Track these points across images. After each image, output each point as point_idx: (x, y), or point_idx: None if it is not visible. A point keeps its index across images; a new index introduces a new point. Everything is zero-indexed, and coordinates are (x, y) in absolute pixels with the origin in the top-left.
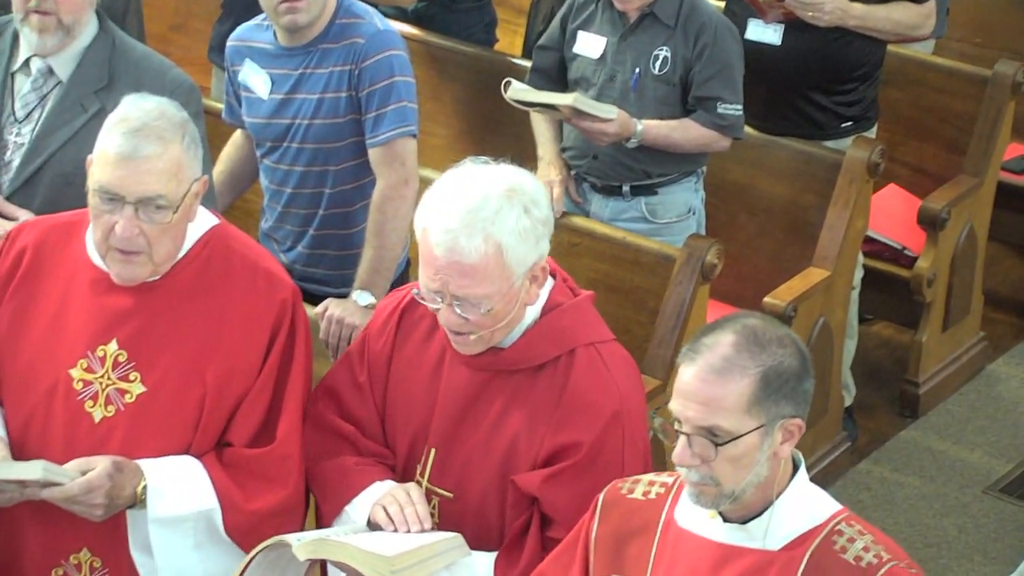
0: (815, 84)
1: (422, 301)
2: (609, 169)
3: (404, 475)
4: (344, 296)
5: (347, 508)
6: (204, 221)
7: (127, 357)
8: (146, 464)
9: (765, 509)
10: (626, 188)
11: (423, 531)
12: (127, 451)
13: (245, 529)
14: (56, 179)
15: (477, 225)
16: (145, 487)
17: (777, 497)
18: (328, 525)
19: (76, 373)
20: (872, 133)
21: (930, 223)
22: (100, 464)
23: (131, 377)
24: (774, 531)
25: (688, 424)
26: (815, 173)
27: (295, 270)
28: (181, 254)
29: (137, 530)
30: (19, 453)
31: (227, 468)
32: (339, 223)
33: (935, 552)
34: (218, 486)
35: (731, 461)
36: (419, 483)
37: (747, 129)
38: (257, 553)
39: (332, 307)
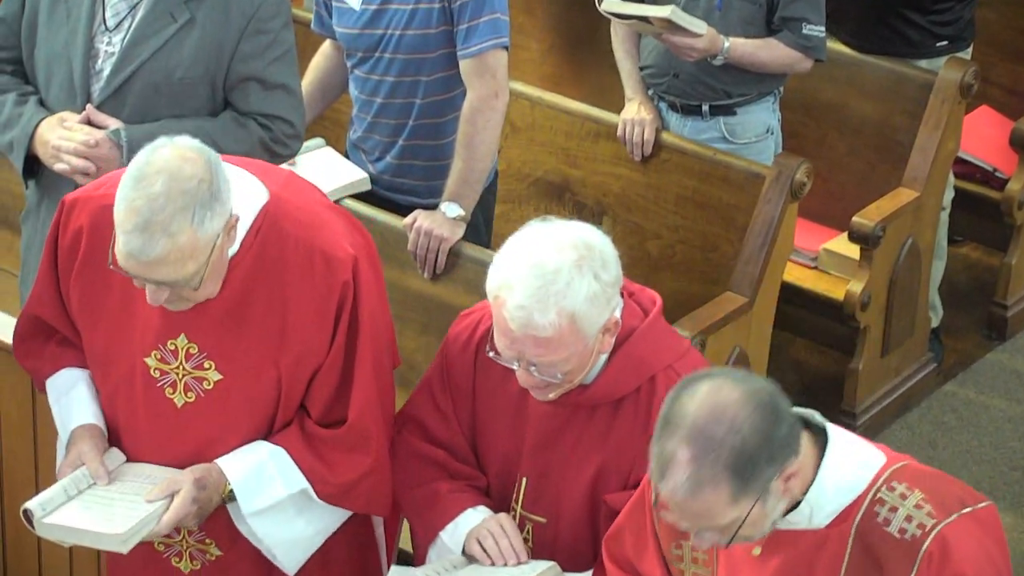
0: (911, 2)
1: (498, 360)
2: (689, 88)
3: (498, 499)
4: (432, 207)
5: (441, 534)
6: (254, 201)
7: (198, 349)
8: (227, 465)
9: (802, 500)
10: (705, 108)
11: (519, 563)
12: (212, 433)
13: (339, 496)
14: (146, 88)
15: (550, 300)
16: (231, 490)
17: (803, 494)
18: (423, 550)
19: (151, 362)
20: (967, 54)
21: (1022, 145)
22: (183, 488)
23: (205, 366)
24: (816, 513)
25: (690, 527)
26: (907, 93)
27: (383, 180)
28: (234, 250)
29: (236, 516)
30: (108, 430)
31: (309, 445)
32: (429, 134)
33: (1020, 475)
34: (303, 466)
35: (747, 528)
36: (513, 510)
37: (840, 47)
38: None
39: (420, 219)
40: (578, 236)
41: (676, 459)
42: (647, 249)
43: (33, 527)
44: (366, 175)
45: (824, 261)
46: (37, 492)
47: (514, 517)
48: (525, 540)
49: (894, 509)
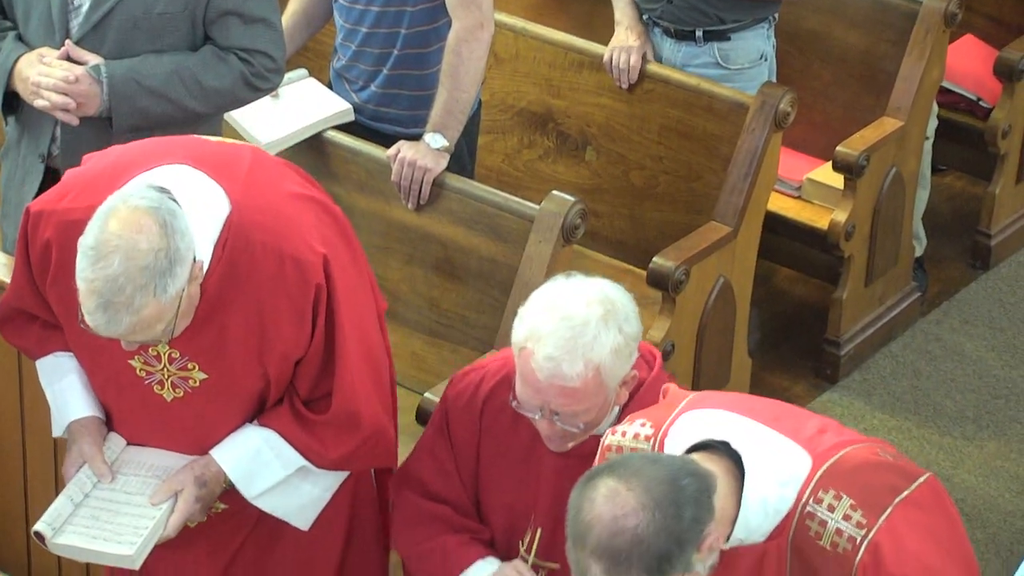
0: None
1: (519, 410)
2: (683, 14)
3: (503, 550)
4: (416, 137)
5: None
6: (217, 213)
7: (180, 354)
8: (223, 457)
9: (733, 529)
10: (699, 33)
11: None
12: (204, 423)
13: (338, 466)
14: (125, 23)
15: (578, 351)
16: (231, 481)
17: (734, 525)
18: None
19: (136, 364)
20: None
21: (1006, 74)
22: (186, 489)
23: (189, 367)
24: (749, 536)
25: None
26: (891, 22)
27: (367, 109)
28: (206, 266)
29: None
30: (105, 414)
31: (300, 423)
32: (414, 63)
33: (1003, 404)
34: (298, 445)
35: None
36: (524, 559)
37: None
38: None
39: (404, 149)
40: (602, 291)
41: (591, 573)
42: (631, 179)
43: (45, 546)
44: (350, 106)
45: (808, 191)
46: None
47: (528, 564)
48: None
49: (823, 523)
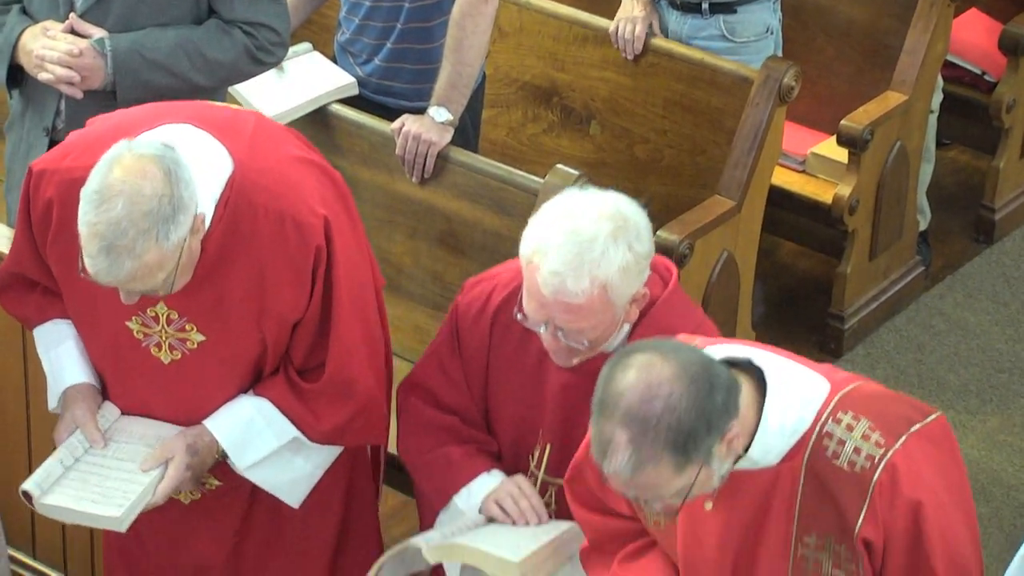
0: None
1: (525, 324)
2: None
3: (510, 463)
4: (420, 111)
5: (455, 499)
6: (220, 173)
7: (178, 315)
8: (216, 426)
9: (749, 447)
10: (705, 5)
11: (540, 523)
12: (201, 387)
13: (331, 439)
14: None
15: (584, 268)
16: (223, 451)
17: (747, 448)
18: (432, 515)
19: (133, 326)
20: None
21: (1011, 48)
22: (177, 457)
23: (187, 328)
24: (763, 456)
25: (639, 499)
26: None
27: (371, 83)
28: (207, 221)
29: (234, 466)
30: (100, 383)
31: (295, 393)
32: (418, 37)
33: (1007, 378)
34: (291, 415)
35: (696, 489)
36: (535, 475)
37: None
38: (387, 559)
39: (408, 123)
40: (615, 207)
41: (615, 442)
42: (635, 153)
43: (33, 506)
44: (354, 80)
45: (812, 165)
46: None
47: (536, 482)
48: (548, 504)
49: (842, 443)
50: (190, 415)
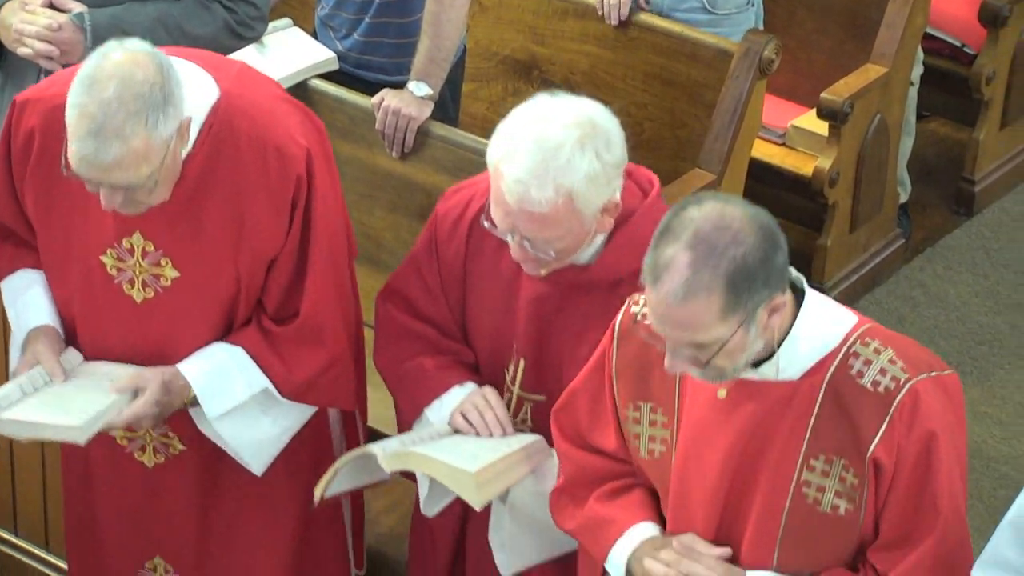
0: None
1: (492, 231)
2: None
3: (487, 376)
4: (400, 85)
5: (427, 411)
6: (206, 98)
7: (154, 247)
8: (188, 369)
9: (774, 352)
10: None
11: (504, 435)
12: (173, 328)
13: (301, 393)
14: None
15: (548, 176)
16: (194, 396)
17: (780, 343)
18: (408, 427)
19: (107, 260)
20: None
21: (991, 20)
22: (150, 388)
23: (162, 263)
24: (787, 366)
25: (670, 341)
26: None
27: (350, 57)
28: (187, 150)
29: (201, 420)
30: (67, 331)
31: (267, 342)
32: (396, 11)
33: (987, 350)
34: (263, 364)
35: (724, 355)
36: (509, 391)
37: None
38: (343, 464)
39: (388, 98)
40: (584, 113)
41: (675, 263)
42: None
43: None
44: (333, 55)
45: (792, 138)
46: None
47: (511, 399)
48: (523, 420)
49: (868, 362)
50: (159, 362)
